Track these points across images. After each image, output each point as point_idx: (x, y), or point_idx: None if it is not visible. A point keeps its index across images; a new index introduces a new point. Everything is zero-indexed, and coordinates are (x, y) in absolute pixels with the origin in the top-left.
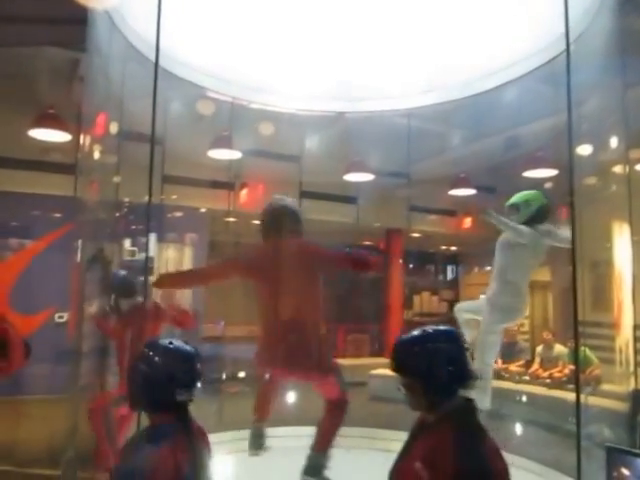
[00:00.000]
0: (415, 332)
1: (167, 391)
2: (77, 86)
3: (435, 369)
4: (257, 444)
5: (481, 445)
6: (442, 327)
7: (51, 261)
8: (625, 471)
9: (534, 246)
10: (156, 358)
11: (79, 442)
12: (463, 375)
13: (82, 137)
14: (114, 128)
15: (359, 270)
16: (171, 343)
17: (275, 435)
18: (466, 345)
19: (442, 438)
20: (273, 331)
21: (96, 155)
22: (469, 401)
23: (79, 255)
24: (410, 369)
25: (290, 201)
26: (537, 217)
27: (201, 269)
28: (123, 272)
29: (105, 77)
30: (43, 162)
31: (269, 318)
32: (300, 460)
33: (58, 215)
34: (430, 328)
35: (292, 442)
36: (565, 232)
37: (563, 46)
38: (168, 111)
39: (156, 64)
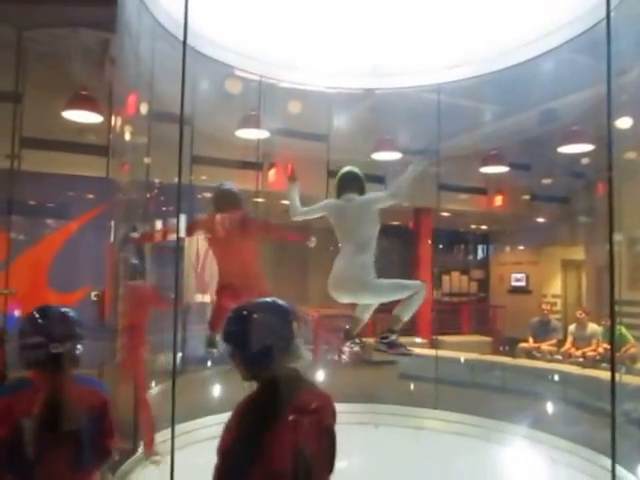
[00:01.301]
0: (244, 304)
1: (34, 347)
2: (108, 67)
3: (250, 339)
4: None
5: (278, 415)
6: (269, 300)
7: (86, 241)
8: None
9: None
10: (33, 319)
11: (116, 415)
12: (281, 347)
13: (113, 118)
14: (144, 108)
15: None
16: (50, 307)
17: None
18: (293, 318)
19: (244, 406)
20: (225, 274)
21: (127, 136)
22: (293, 372)
23: (112, 235)
24: (230, 338)
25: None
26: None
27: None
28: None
29: (135, 57)
30: (77, 143)
31: (221, 267)
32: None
33: (91, 196)
34: (258, 301)
35: None
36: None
37: (603, 13)
38: (197, 91)
39: (184, 43)
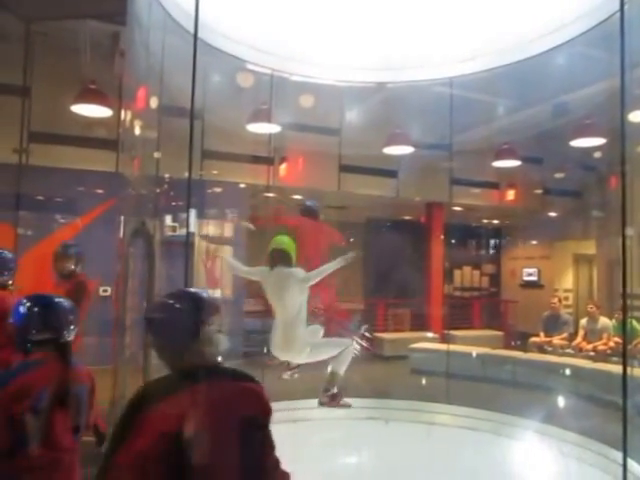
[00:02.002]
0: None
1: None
2: (118, 60)
3: (157, 329)
4: None
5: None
6: (182, 290)
7: (95, 236)
8: None
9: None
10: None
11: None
12: (186, 337)
13: (123, 112)
14: (154, 102)
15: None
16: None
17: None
18: (202, 307)
19: (142, 392)
20: None
21: (137, 130)
22: (208, 362)
23: (122, 230)
24: (148, 327)
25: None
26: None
27: None
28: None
29: (145, 50)
30: (86, 138)
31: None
32: (336, 431)
33: (101, 191)
34: (173, 291)
35: (331, 414)
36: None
37: (616, 6)
38: (207, 84)
39: (195, 36)
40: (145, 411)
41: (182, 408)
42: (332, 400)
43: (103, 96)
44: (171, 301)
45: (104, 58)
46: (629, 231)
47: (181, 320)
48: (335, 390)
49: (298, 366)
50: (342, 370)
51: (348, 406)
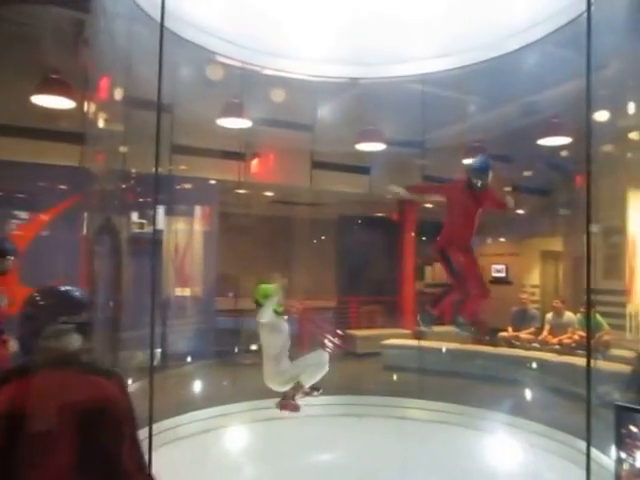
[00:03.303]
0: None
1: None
2: (82, 49)
3: (19, 320)
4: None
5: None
6: (45, 286)
7: (58, 233)
8: (633, 428)
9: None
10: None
11: None
12: (37, 331)
13: (87, 104)
14: (120, 94)
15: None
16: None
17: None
18: (56, 305)
19: None
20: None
21: (102, 123)
22: (66, 356)
23: (86, 227)
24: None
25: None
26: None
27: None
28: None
29: (111, 40)
30: (48, 130)
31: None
32: (309, 429)
33: (64, 186)
34: (43, 286)
35: (306, 411)
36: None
37: (583, 7)
38: (176, 77)
39: (162, 26)
40: None
41: (15, 392)
42: (284, 402)
43: (66, 86)
44: (32, 295)
45: (67, 47)
46: (593, 228)
47: (32, 314)
48: (292, 394)
49: (318, 389)
50: (308, 384)
51: (297, 408)
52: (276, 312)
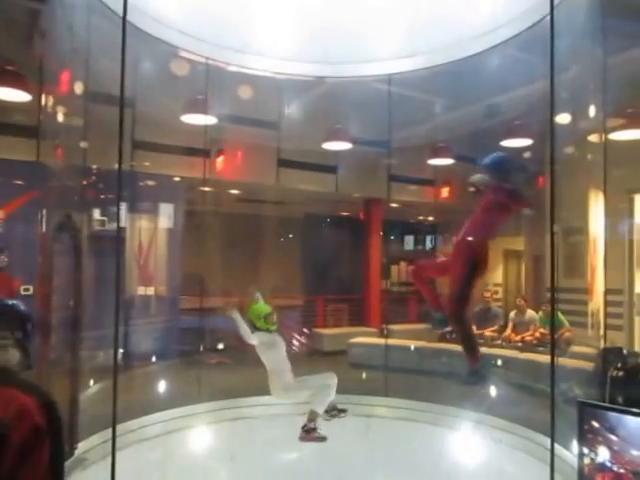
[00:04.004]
0: None
1: None
2: (38, 41)
3: None
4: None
5: None
6: None
7: (14, 230)
8: (595, 424)
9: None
10: None
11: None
12: None
13: (44, 97)
14: (79, 88)
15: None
16: None
17: (254, 404)
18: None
19: None
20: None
21: (60, 117)
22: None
23: (44, 225)
24: None
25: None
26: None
27: None
28: None
29: (69, 32)
30: (2, 124)
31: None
32: (275, 429)
33: (20, 182)
34: None
35: (272, 410)
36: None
37: (545, 10)
38: (138, 71)
39: (124, 19)
40: None
41: None
42: (307, 434)
43: (21, 79)
44: None
45: (22, 37)
46: (555, 228)
47: None
48: (312, 425)
49: (344, 411)
50: (321, 410)
51: (323, 439)
52: (269, 329)
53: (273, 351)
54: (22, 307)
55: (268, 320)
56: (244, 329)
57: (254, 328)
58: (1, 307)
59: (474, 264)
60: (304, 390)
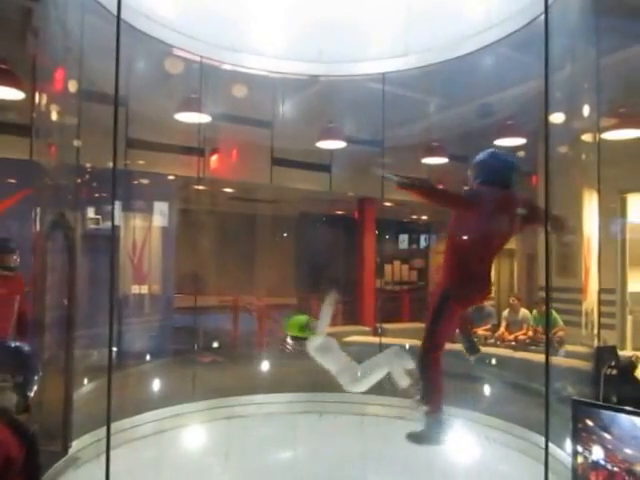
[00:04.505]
0: None
1: None
2: (31, 39)
3: None
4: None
5: None
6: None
7: (7, 229)
8: (590, 422)
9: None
10: None
11: (44, 416)
12: None
13: (38, 95)
14: (73, 86)
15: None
16: None
17: (248, 403)
18: None
19: None
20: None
21: (54, 116)
22: None
23: (38, 223)
24: None
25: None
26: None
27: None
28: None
29: (62, 30)
30: None
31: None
32: (270, 427)
33: (13, 180)
34: None
35: (266, 409)
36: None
37: (539, 10)
38: (132, 70)
39: (118, 17)
40: None
41: None
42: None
43: (14, 77)
44: None
45: (14, 36)
46: (549, 227)
47: None
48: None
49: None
50: (406, 383)
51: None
52: (308, 335)
53: (330, 353)
54: (26, 349)
55: (310, 327)
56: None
57: (299, 340)
58: (4, 349)
59: (445, 293)
60: (374, 375)
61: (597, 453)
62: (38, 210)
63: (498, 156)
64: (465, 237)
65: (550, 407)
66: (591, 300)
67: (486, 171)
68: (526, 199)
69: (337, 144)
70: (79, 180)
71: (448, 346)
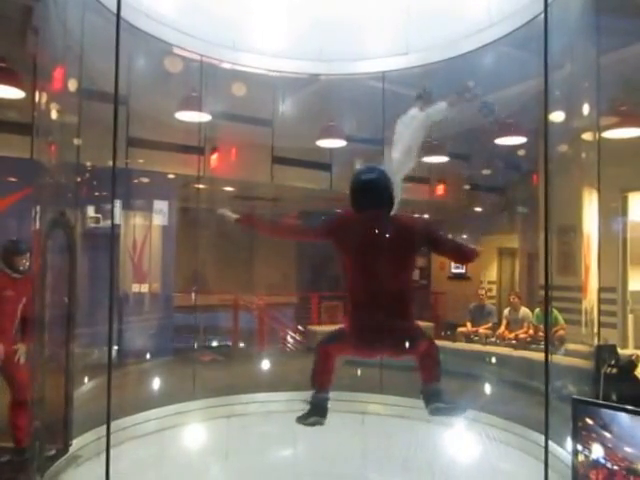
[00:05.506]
0: None
1: None
2: (31, 38)
3: None
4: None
5: None
6: None
7: (7, 227)
8: (590, 421)
9: None
10: None
11: (45, 414)
12: None
13: (38, 94)
14: (73, 85)
15: None
16: None
17: (249, 401)
18: None
19: None
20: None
21: (54, 114)
22: None
23: (38, 222)
24: None
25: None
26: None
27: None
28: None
29: (62, 28)
30: None
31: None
32: (270, 425)
33: (14, 179)
34: None
35: (267, 407)
36: None
37: (539, 8)
38: (132, 68)
39: (118, 16)
40: None
41: None
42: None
43: (14, 76)
44: None
45: (14, 35)
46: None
47: None
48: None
49: None
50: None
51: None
52: None
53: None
54: None
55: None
56: None
57: None
58: None
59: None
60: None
61: (597, 452)
62: (38, 208)
63: (356, 175)
64: (347, 273)
65: (550, 405)
66: (591, 299)
67: (349, 194)
68: (412, 223)
69: (337, 143)
70: (79, 179)
71: (448, 346)
